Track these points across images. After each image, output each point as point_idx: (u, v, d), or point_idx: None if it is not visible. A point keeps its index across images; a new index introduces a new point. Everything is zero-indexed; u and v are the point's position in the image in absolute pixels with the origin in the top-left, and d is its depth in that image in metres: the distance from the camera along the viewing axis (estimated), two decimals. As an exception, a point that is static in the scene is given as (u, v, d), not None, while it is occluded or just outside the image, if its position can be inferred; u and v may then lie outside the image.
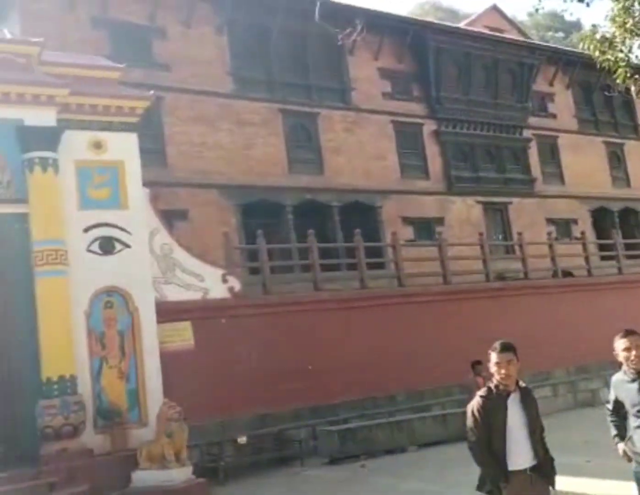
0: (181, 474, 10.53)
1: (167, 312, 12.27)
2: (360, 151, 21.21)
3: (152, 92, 13.00)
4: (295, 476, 11.44)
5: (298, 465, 12.11)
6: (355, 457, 12.05)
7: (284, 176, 19.63)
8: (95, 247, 11.68)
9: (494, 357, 4.98)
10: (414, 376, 14.59)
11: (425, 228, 22.16)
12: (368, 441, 12.42)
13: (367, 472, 11.18)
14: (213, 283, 13.12)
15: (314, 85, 20.97)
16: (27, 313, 11.02)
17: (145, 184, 12.84)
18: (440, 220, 22.36)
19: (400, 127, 22.43)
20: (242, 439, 12.13)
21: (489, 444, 4.87)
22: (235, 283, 13.38)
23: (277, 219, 19.39)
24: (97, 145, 12.00)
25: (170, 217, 17.00)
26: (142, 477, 10.63)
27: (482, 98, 24.41)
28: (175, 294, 12.61)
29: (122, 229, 11.90)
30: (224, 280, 13.27)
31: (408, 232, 21.29)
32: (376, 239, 20.13)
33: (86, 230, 11.62)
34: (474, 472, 4.84)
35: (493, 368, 5.00)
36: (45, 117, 11.36)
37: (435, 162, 23.06)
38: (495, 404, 4.90)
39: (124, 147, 12.22)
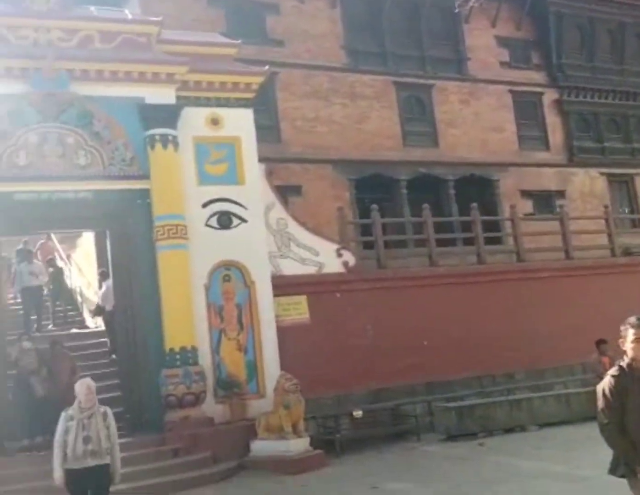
0: (299, 445, 10.66)
1: (283, 286, 12.40)
2: (476, 123, 20.57)
3: (267, 67, 13.05)
4: (412, 451, 11.33)
5: (414, 441, 11.97)
6: (472, 435, 11.77)
7: (398, 150, 19.33)
8: (214, 222, 11.93)
9: (630, 333, 4.66)
10: (534, 354, 14.08)
11: (545, 201, 21.29)
12: (486, 419, 12.11)
13: (485, 451, 10.90)
14: (328, 257, 13.11)
15: (428, 56, 20.46)
16: (151, 286, 11.43)
17: (260, 159, 12.97)
18: (561, 193, 21.42)
19: (519, 97, 21.56)
20: (358, 413, 12.10)
21: (622, 426, 4.59)
22: (350, 257, 13.33)
23: (391, 194, 19.16)
24: (214, 122, 12.21)
25: (285, 193, 17.15)
26: (260, 446, 10.86)
27: (607, 64, 23.06)
28: (290, 268, 12.71)
29: (238, 204, 12.09)
30: (339, 255, 13.25)
31: (527, 206, 20.51)
32: (493, 213, 19.54)
33: (204, 205, 11.89)
34: (601, 453, 4.55)
35: (628, 345, 4.68)
36: (165, 95, 11.68)
37: (556, 133, 22.05)
38: (628, 384, 4.60)
39: (240, 123, 12.38)
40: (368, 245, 15.52)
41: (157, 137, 11.50)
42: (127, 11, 13.07)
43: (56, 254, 18.21)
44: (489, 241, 16.49)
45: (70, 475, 6.45)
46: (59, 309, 16.92)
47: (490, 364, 13.66)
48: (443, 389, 13.15)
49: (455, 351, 13.42)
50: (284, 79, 18.25)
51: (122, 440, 10.54)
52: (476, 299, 14.11)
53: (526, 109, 21.74)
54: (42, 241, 18.07)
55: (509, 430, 12.01)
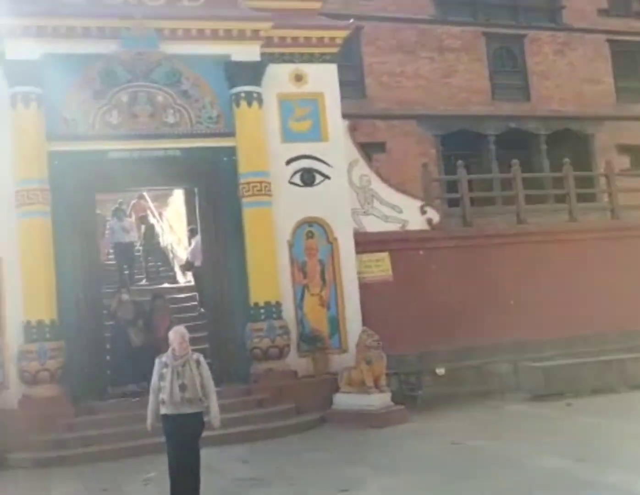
0: (380, 400, 10.77)
1: (365, 243, 12.41)
2: (571, 75, 19.73)
3: (351, 20, 12.89)
4: (495, 410, 11.24)
5: (498, 400, 11.86)
6: (559, 395, 11.55)
7: (487, 104, 18.81)
8: (297, 179, 12.01)
9: None
10: (627, 315, 13.58)
11: (644, 157, 20.30)
12: (574, 380, 11.82)
13: (572, 411, 10.69)
14: (411, 215, 12.99)
15: (520, 5, 19.70)
16: (237, 242, 11.67)
17: (344, 115, 12.89)
18: (661, 148, 20.35)
19: (617, 47, 20.47)
20: (441, 371, 12.08)
21: None
22: (434, 215, 13.17)
23: (478, 150, 18.73)
24: (298, 78, 12.21)
25: (369, 149, 16.99)
26: (342, 399, 11.05)
27: None
28: (373, 225, 12.68)
29: (322, 161, 12.11)
30: (423, 212, 13.10)
31: (624, 162, 19.60)
32: (587, 169, 18.78)
33: (288, 162, 11.97)
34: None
35: None
36: (250, 52, 11.72)
37: (657, 84, 20.88)
38: None
39: (324, 79, 12.33)
40: (454, 203, 15.30)
41: (243, 95, 11.60)
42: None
43: (148, 211, 18.83)
44: (582, 198, 15.92)
45: (167, 421, 6.55)
46: (151, 264, 17.56)
47: (581, 325, 13.26)
48: (530, 349, 12.89)
49: (544, 311, 13.10)
50: (370, 33, 18.00)
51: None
52: (567, 258, 13.68)
53: (626, 59, 20.67)
54: (134, 201, 18.73)
55: (597, 391, 11.71)
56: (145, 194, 19.09)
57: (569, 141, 19.17)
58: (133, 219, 17.88)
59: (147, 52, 11.24)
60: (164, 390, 6.49)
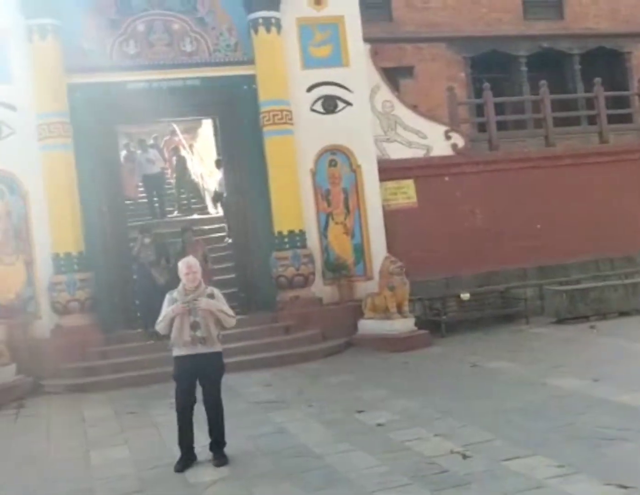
0: (403, 325, 10.89)
1: (389, 170, 12.31)
2: (606, -11, 18.87)
3: (372, -61, 12.45)
4: (519, 333, 11.26)
5: (523, 324, 11.87)
6: (584, 318, 11.51)
7: (518, 24, 18.12)
8: (318, 106, 11.87)
9: None
10: (657, 238, 13.35)
11: (684, 75, 19.49)
12: (599, 302, 11.75)
13: (596, 333, 10.66)
14: (436, 140, 12.78)
15: None
16: (260, 172, 11.66)
17: (369, 40, 12.63)
18: (702, 65, 19.50)
19: (657, -43, 19.45)
20: (465, 295, 12.08)
21: None
22: (459, 139, 12.93)
23: (509, 72, 18.16)
24: (318, 2, 11.94)
25: (396, 74, 16.68)
26: (367, 325, 11.19)
27: None
28: (397, 151, 12.52)
29: (343, 87, 11.93)
30: (447, 137, 12.87)
31: (661, 80, 18.87)
32: (623, 89, 18.14)
33: (309, 89, 11.82)
34: None
35: None
36: (269, -25, 11.46)
37: (700, -4, 19.85)
38: None
39: (344, 2, 12.05)
40: (482, 127, 14.99)
41: (260, 20, 11.41)
42: None
43: (180, 145, 18.88)
44: (618, 119, 15.44)
45: (178, 362, 6.01)
46: (183, 196, 17.71)
47: (609, 247, 13.09)
48: (556, 273, 12.81)
49: (570, 234, 12.94)
50: (396, -48, 17.35)
51: (237, 317, 11.25)
52: (595, 181, 13.39)
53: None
54: (167, 137, 18.80)
55: (623, 315, 11.63)
56: (175, 127, 19.13)
57: (604, 60, 18.45)
58: (166, 153, 18.00)
59: (161, -23, 11.09)
60: (175, 329, 5.93)
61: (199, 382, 6.07)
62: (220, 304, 6.12)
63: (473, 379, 8.44)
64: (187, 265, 6.06)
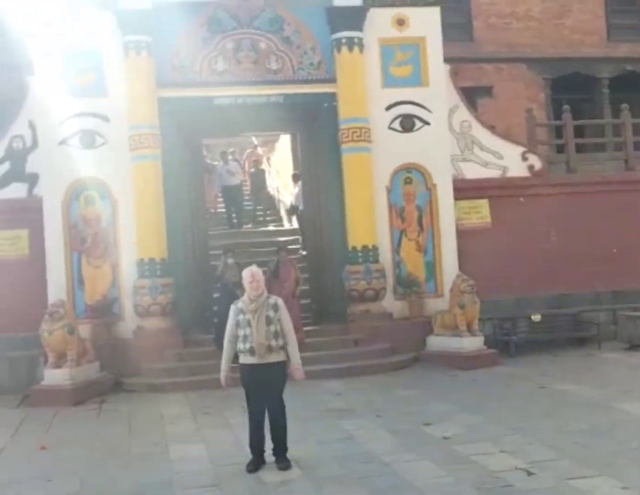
0: (472, 343, 10.97)
1: (464, 190, 12.42)
2: (696, 12, 18.45)
3: (455, -37, 12.65)
4: (589, 357, 11.17)
5: (594, 348, 11.75)
6: (658, 346, 11.34)
7: (601, 46, 17.92)
8: (396, 124, 12.11)
9: None
10: None
11: None
12: (675, 331, 11.55)
13: (671, 362, 10.50)
14: (512, 161, 12.81)
15: (639, -62, 18.48)
16: (336, 187, 11.98)
17: (449, 59, 12.80)
18: None
19: None
20: (537, 317, 12.05)
21: None
22: (536, 161, 12.92)
23: (591, 94, 17.97)
24: (400, 22, 12.19)
25: (474, 94, 16.76)
26: (436, 341, 11.33)
27: None
28: (473, 171, 12.61)
29: (422, 107, 12.13)
30: (524, 158, 12.88)
31: None
32: None
33: (388, 108, 12.06)
34: None
35: None
36: (353, -4, 11.79)
37: None
38: None
39: (426, 23, 12.26)
40: (562, 149, 14.90)
41: (344, 40, 11.74)
42: None
43: (260, 159, 19.41)
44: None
45: (244, 371, 6.17)
46: (259, 208, 18.22)
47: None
48: (631, 298, 12.60)
49: (648, 260, 12.75)
50: (479, -26, 17.48)
51: (309, 328, 11.59)
52: (676, 207, 13.15)
53: None
54: (249, 150, 19.42)
55: (700, 344, 11.38)
56: (255, 140, 19.72)
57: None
58: (246, 166, 18.58)
59: (251, -2, 11.58)
60: (241, 338, 6.11)
61: (263, 389, 6.16)
62: (284, 318, 6.22)
63: (541, 399, 8.47)
64: (251, 274, 6.20)
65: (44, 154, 11.38)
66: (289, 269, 11.28)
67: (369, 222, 11.85)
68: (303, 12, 11.75)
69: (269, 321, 6.10)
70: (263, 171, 19.00)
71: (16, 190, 11.54)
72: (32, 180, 11.55)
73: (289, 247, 15.27)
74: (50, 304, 10.48)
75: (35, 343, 10.29)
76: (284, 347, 6.19)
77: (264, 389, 6.15)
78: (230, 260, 11.63)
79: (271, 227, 17.26)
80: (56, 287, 11.14)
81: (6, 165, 11.57)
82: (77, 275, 11.40)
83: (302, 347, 10.10)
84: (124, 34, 11.31)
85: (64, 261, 11.33)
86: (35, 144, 11.52)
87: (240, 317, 6.16)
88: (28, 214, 11.42)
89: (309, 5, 11.72)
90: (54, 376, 9.93)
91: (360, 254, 11.71)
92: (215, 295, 11.57)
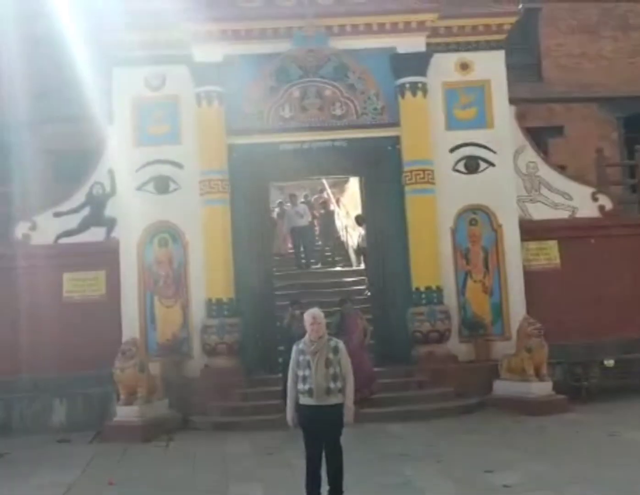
0: (540, 388, 10.72)
1: (532, 231, 12.29)
2: None
3: (520, 6, 12.71)
4: (664, 405, 10.76)
5: (670, 396, 11.31)
6: None
7: (676, 84, 17.56)
8: (461, 166, 12.16)
9: None
10: None
11: None
12: None
13: None
14: (582, 201, 12.62)
15: None
16: (400, 228, 12.06)
17: (518, 100, 12.83)
18: None
19: None
20: (609, 362, 11.70)
21: None
22: (607, 201, 12.67)
23: (666, 132, 17.56)
24: (464, 66, 12.32)
25: (545, 134, 16.64)
26: (502, 386, 11.14)
27: None
28: (541, 212, 12.48)
29: (486, 148, 12.16)
30: (594, 199, 12.66)
31: None
32: None
33: (452, 150, 12.15)
34: None
35: None
36: (416, 43, 12.03)
37: None
38: None
39: (490, 66, 12.34)
40: (636, 189, 14.58)
41: (407, 85, 11.94)
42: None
43: (328, 202, 19.71)
44: None
45: (303, 412, 6.24)
46: (327, 248, 18.43)
47: None
48: None
49: None
50: (548, 14, 17.43)
51: (373, 370, 11.58)
52: None
53: None
54: (316, 195, 19.80)
55: None
56: (325, 182, 20.06)
57: None
58: (316, 208, 18.91)
59: (317, 49, 11.95)
60: (301, 379, 6.21)
61: (322, 431, 6.20)
62: (344, 361, 6.29)
63: (609, 448, 8.23)
64: (313, 316, 6.33)
65: (121, 199, 11.96)
66: (355, 320, 10.92)
67: (432, 263, 11.86)
68: (367, 60, 12.02)
69: (328, 363, 6.17)
70: (332, 213, 19.26)
71: (95, 234, 12.12)
72: (110, 224, 12.11)
73: (355, 288, 15.47)
74: (123, 342, 10.89)
75: (109, 380, 10.66)
76: (342, 390, 6.22)
77: (321, 431, 6.20)
78: (297, 312, 11.35)
79: (338, 268, 17.41)
80: (130, 325, 11.60)
81: (86, 210, 12.17)
82: (150, 314, 11.84)
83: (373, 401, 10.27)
84: (197, 85, 11.84)
85: (138, 301, 11.80)
86: (113, 190, 12.11)
87: (301, 358, 6.27)
88: (105, 256, 11.95)
89: (372, 53, 11.97)
90: (125, 413, 10.28)
91: (423, 296, 11.71)
92: (280, 347, 11.34)
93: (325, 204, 19.22)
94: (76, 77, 15.80)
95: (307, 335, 6.36)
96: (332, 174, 15.06)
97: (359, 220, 15.54)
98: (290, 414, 6.37)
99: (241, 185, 11.91)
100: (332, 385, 6.16)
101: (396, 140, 12.04)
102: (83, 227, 12.18)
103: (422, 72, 12.03)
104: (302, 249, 17.13)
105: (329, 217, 18.94)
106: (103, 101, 12.87)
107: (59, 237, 12.13)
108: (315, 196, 19.60)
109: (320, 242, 18.62)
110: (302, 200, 18.24)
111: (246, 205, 12.00)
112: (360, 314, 11.28)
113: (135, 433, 9.95)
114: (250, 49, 11.88)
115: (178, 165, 11.95)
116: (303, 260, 16.96)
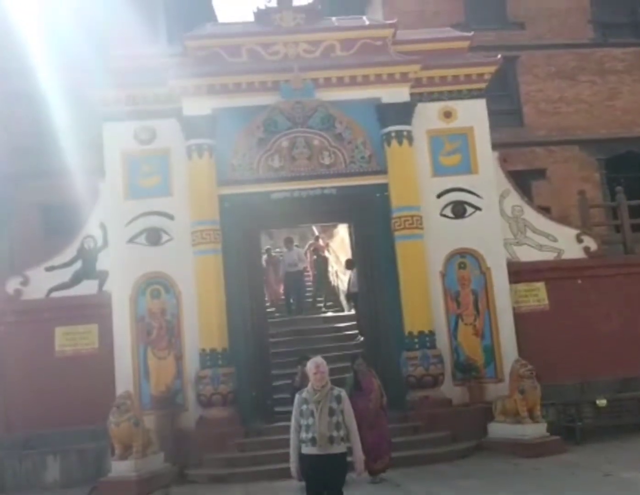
0: (534, 430, 10.74)
1: (519, 273, 12.47)
2: None
3: (499, 56, 13.09)
4: (658, 444, 10.83)
5: (664, 434, 11.39)
6: None
7: (654, 125, 18.05)
8: (448, 211, 12.38)
9: None
10: None
11: None
12: None
13: None
14: (567, 243, 12.84)
15: (688, 19, 18.75)
16: (391, 274, 12.18)
17: (500, 145, 13.15)
18: None
19: None
20: (602, 402, 11.76)
21: None
22: (591, 242, 12.90)
23: (647, 172, 17.99)
24: (447, 114, 12.62)
25: (528, 177, 17.05)
26: (497, 428, 11.15)
27: None
28: (527, 254, 12.66)
29: (472, 193, 12.39)
30: (579, 240, 12.89)
31: None
32: None
33: (439, 195, 12.38)
34: None
35: None
36: (400, 94, 12.34)
37: None
38: None
39: (472, 113, 12.64)
40: (620, 229, 14.86)
41: (393, 134, 12.21)
42: (364, 17, 13.98)
43: (321, 248, 19.88)
44: None
45: (305, 461, 6.22)
46: (319, 293, 18.51)
47: None
48: (700, 381, 12.25)
49: None
50: (526, 62, 17.98)
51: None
52: None
53: None
54: (311, 241, 20.01)
55: None
56: (315, 229, 20.26)
57: None
58: (308, 256, 19.07)
59: (304, 100, 12.23)
60: (304, 428, 6.21)
61: (325, 481, 6.18)
62: (347, 410, 6.33)
63: (605, 488, 8.28)
64: (316, 365, 6.35)
65: (113, 252, 12.05)
66: (371, 379, 9.92)
67: (424, 308, 11.97)
68: (353, 110, 12.28)
69: (331, 412, 6.20)
70: (326, 260, 19.37)
71: (87, 288, 12.13)
72: (103, 277, 12.16)
73: (347, 332, 15.56)
74: (117, 395, 10.85)
75: (104, 435, 10.57)
76: (344, 439, 6.24)
77: (324, 480, 6.18)
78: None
79: (330, 313, 17.50)
80: (123, 378, 11.55)
81: (78, 264, 12.22)
82: (143, 366, 11.81)
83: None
84: (187, 138, 12.04)
85: (131, 353, 11.78)
86: (105, 243, 12.19)
87: (304, 407, 6.27)
88: (98, 309, 11.97)
89: (358, 104, 12.25)
90: (120, 468, 10.18)
91: (416, 340, 11.79)
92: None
93: (320, 250, 19.38)
94: (66, 131, 16.10)
95: (310, 384, 6.38)
96: (322, 221, 15.27)
97: (349, 264, 15.70)
98: (294, 466, 6.35)
99: (233, 234, 12.04)
100: (335, 433, 6.18)
101: (384, 187, 12.25)
102: (75, 280, 12.22)
103: (407, 120, 12.30)
104: (293, 295, 17.20)
105: (323, 263, 19.07)
106: (94, 155, 13.08)
107: (51, 291, 12.16)
108: (310, 242, 19.77)
109: (313, 288, 18.71)
110: (297, 244, 18.38)
111: (238, 254, 12.11)
112: (374, 372, 10.23)
113: (131, 489, 9.85)
114: (238, 102, 12.14)
115: (169, 216, 12.08)
116: (294, 306, 17.02)
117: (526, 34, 18.10)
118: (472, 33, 13.49)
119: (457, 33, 13.72)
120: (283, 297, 17.62)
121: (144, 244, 12.02)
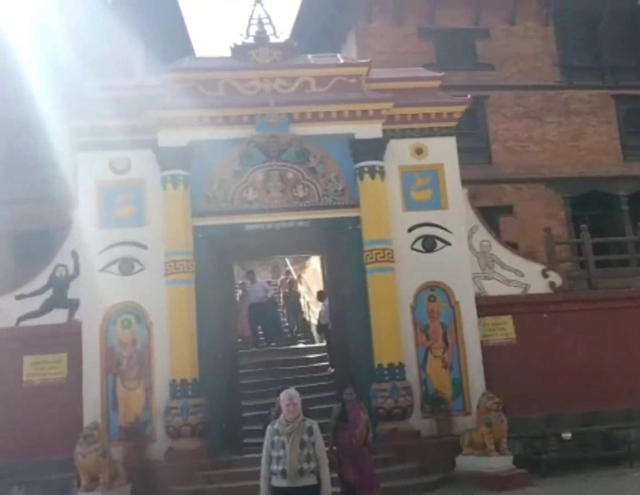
0: (501, 463, 10.86)
1: (487, 307, 12.69)
2: None
3: (468, 96, 13.47)
4: (621, 477, 11.00)
5: (627, 468, 11.58)
6: (694, 465, 11.15)
7: (618, 165, 18.67)
8: (419, 245, 12.60)
9: None
10: None
11: None
12: None
13: None
14: (533, 278, 13.11)
15: (650, 65, 19.52)
16: (362, 306, 12.30)
17: (469, 182, 13.43)
18: None
19: None
20: (567, 435, 11.97)
21: None
22: (557, 278, 13.20)
23: (610, 210, 18.52)
24: (419, 151, 12.91)
25: (496, 213, 17.46)
26: (464, 461, 11.25)
27: None
28: (495, 289, 12.91)
29: (442, 228, 12.64)
30: (545, 276, 13.19)
31: None
32: None
33: (410, 230, 12.60)
34: None
35: None
36: (373, 130, 12.62)
37: None
38: None
39: (443, 151, 12.95)
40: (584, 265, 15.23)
41: (366, 169, 12.46)
42: (339, 55, 14.31)
43: (294, 282, 19.99)
44: None
45: (275, 494, 6.24)
46: (286, 324, 18.56)
47: None
48: (662, 416, 12.53)
49: (678, 376, 12.72)
50: (495, 102, 18.54)
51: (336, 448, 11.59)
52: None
53: None
54: (283, 276, 20.13)
55: None
56: (287, 261, 20.39)
57: None
58: (281, 291, 19.13)
59: (279, 134, 12.42)
60: (275, 460, 6.22)
61: None
62: (318, 442, 6.35)
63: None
64: (289, 397, 6.42)
65: (84, 281, 12.01)
66: (359, 413, 9.39)
67: (394, 340, 12.09)
68: (327, 145, 12.52)
69: (302, 444, 6.22)
70: (298, 293, 19.44)
71: (58, 316, 12.06)
72: (73, 306, 12.10)
73: (318, 364, 15.60)
74: (85, 426, 10.75)
75: (70, 466, 10.45)
76: (314, 471, 6.26)
77: None
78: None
79: (301, 345, 17.55)
80: (91, 409, 11.45)
81: (49, 293, 12.15)
82: (112, 397, 11.71)
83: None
84: (163, 169, 12.15)
85: (100, 383, 11.68)
86: (77, 271, 12.15)
87: (276, 438, 6.29)
88: (67, 338, 11.90)
89: (332, 139, 12.49)
90: (86, 500, 10.08)
91: (386, 372, 11.89)
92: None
93: (292, 284, 19.49)
94: (38, 160, 16.13)
95: (282, 416, 6.42)
96: (295, 253, 15.42)
97: (321, 296, 15.82)
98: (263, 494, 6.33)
99: (206, 265, 12.11)
100: (305, 466, 6.19)
101: (356, 220, 12.45)
102: (45, 309, 12.15)
103: (380, 156, 12.56)
104: (258, 326, 17.21)
105: (295, 296, 19.17)
106: (67, 184, 13.12)
107: (20, 319, 12.07)
108: (282, 277, 19.92)
109: (285, 320, 18.76)
110: (268, 280, 18.50)
111: (211, 285, 12.15)
112: (362, 405, 9.78)
113: (97, 520, 9.75)
114: (214, 135, 12.30)
115: (143, 246, 12.11)
116: (262, 337, 17.03)
117: (495, 75, 18.70)
118: (443, 73, 13.87)
119: (429, 73, 14.09)
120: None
121: (116, 273, 12.01)
